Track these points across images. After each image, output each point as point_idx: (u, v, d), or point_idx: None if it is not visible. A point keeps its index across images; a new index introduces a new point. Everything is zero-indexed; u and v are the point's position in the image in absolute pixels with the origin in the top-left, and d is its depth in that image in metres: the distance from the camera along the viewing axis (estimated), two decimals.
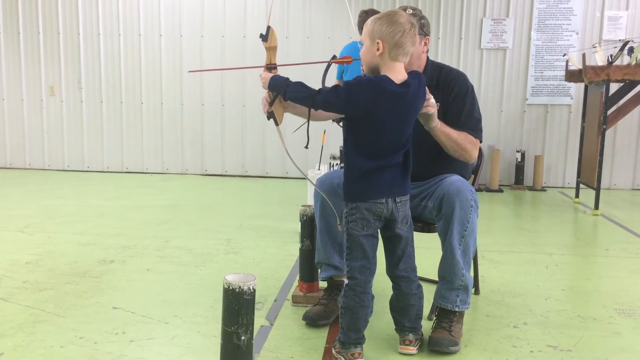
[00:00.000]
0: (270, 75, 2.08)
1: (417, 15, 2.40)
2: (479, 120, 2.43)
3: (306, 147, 2.12)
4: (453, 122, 2.36)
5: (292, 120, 2.35)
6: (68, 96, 7.08)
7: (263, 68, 2.15)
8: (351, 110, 1.98)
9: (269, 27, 2.16)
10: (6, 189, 5.83)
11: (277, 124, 2.16)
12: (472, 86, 2.46)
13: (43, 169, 7.20)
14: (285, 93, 2.02)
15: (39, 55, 7.05)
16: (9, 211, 4.68)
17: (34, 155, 7.22)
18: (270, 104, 2.11)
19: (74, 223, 4.30)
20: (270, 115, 2.14)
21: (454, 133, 2.32)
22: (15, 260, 3.27)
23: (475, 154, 2.42)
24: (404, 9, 2.40)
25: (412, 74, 2.02)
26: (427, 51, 2.49)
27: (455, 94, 2.40)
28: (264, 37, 2.15)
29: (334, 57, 2.23)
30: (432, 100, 2.16)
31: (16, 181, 6.34)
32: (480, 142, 2.44)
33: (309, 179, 2.46)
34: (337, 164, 4.49)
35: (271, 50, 2.17)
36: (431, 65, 2.48)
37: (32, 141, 7.20)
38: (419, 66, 2.42)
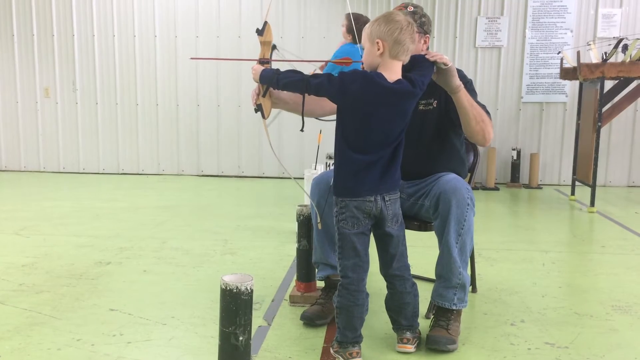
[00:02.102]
0: (262, 68, 2.10)
1: (418, 13, 2.40)
2: (484, 105, 2.41)
3: (301, 130, 2.13)
4: (457, 114, 2.36)
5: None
6: (63, 98, 7.06)
7: (256, 61, 2.16)
8: (342, 97, 2.00)
9: (265, 22, 2.17)
10: (1, 192, 5.81)
11: (264, 117, 2.17)
12: (471, 80, 2.47)
13: (38, 171, 7.18)
14: (277, 82, 2.03)
15: (33, 57, 7.02)
16: (5, 214, 4.66)
17: (29, 158, 7.20)
18: (263, 95, 2.13)
19: (70, 225, 4.28)
20: (258, 108, 2.16)
21: (476, 105, 2.30)
22: (12, 263, 3.26)
23: (490, 131, 2.36)
24: (405, 5, 2.40)
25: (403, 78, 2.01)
26: (428, 49, 2.47)
27: None
28: (260, 32, 2.17)
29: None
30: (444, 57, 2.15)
31: (11, 184, 6.32)
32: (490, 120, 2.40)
33: (288, 172, 2.46)
34: (333, 163, 4.49)
35: (265, 45, 2.19)
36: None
37: (27, 143, 7.18)
38: None
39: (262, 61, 2.16)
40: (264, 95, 2.13)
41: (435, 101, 2.41)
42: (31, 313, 2.52)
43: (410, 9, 2.40)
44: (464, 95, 2.25)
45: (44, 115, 7.11)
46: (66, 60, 7.00)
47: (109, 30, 6.91)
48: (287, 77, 2.01)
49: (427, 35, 2.44)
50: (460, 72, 2.45)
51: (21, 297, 2.73)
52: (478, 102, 2.38)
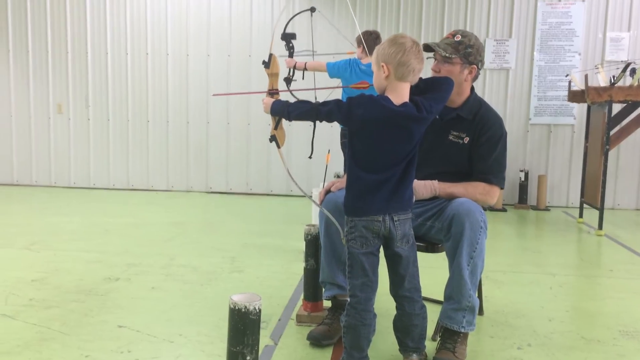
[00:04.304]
0: (272, 100, 2.14)
1: (464, 43, 2.39)
2: (504, 167, 2.46)
3: (310, 157, 2.18)
4: (479, 162, 2.42)
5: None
6: (75, 114, 7.16)
7: (265, 93, 2.21)
8: (351, 122, 2.04)
9: (271, 55, 2.23)
10: (13, 206, 5.87)
11: (278, 146, 2.22)
12: (506, 133, 2.49)
13: (49, 186, 7.25)
14: (288, 114, 2.07)
15: (47, 74, 7.14)
16: (16, 228, 4.71)
17: (40, 173, 7.28)
18: (275, 127, 2.17)
19: (80, 240, 4.32)
20: (273, 138, 2.21)
21: (458, 190, 2.37)
22: (22, 278, 3.29)
23: (491, 201, 2.43)
24: (453, 34, 2.42)
25: (410, 102, 2.04)
26: (473, 79, 2.46)
27: (488, 136, 2.42)
28: (267, 64, 2.22)
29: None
30: (420, 193, 2.34)
31: (23, 198, 6.38)
32: (501, 188, 2.46)
33: (312, 200, 2.48)
34: None
35: (273, 76, 2.25)
36: (474, 98, 2.49)
37: (38, 158, 7.27)
38: (459, 94, 2.43)
39: (271, 92, 2.20)
40: (276, 128, 2.18)
41: (467, 138, 2.44)
42: (40, 328, 2.55)
43: (458, 38, 2.40)
44: (446, 191, 2.38)
45: (56, 130, 7.20)
46: (79, 77, 7.11)
47: (122, 48, 7.03)
48: (298, 108, 2.05)
49: (473, 65, 2.41)
50: (499, 121, 2.46)
51: (31, 312, 2.75)
52: (495, 165, 2.42)
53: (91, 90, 7.10)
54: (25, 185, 7.28)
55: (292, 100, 2.14)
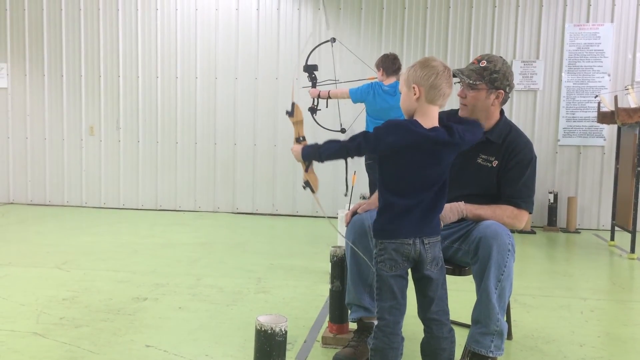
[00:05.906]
0: (301, 146, 2.16)
1: (489, 69, 2.40)
2: (533, 192, 2.45)
3: (345, 194, 2.18)
4: (508, 186, 2.42)
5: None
6: (107, 136, 7.33)
7: (293, 142, 2.23)
8: (381, 151, 2.05)
9: (293, 104, 2.26)
10: (45, 226, 6.00)
11: (313, 191, 2.23)
12: (535, 157, 2.48)
13: (80, 206, 7.41)
14: (320, 155, 2.09)
15: (80, 97, 7.34)
16: (48, 247, 4.81)
17: (72, 193, 7.44)
18: (306, 171, 2.19)
19: (109, 260, 4.39)
20: (306, 184, 2.21)
21: (486, 212, 2.36)
22: (53, 297, 3.36)
23: (519, 225, 2.43)
24: (480, 59, 2.43)
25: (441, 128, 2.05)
26: (502, 103, 2.46)
27: (518, 160, 2.43)
28: (290, 113, 2.25)
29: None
30: (448, 218, 2.34)
31: (55, 218, 6.53)
32: (530, 212, 2.45)
33: (339, 232, 2.48)
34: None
35: (298, 124, 2.26)
36: (504, 122, 2.50)
37: (70, 179, 7.44)
38: (487, 118, 2.44)
39: (298, 140, 2.23)
40: (306, 171, 2.19)
41: (496, 162, 2.44)
42: (71, 347, 2.59)
43: (483, 63, 2.41)
44: (473, 213, 2.36)
45: (87, 152, 7.38)
46: (111, 100, 7.30)
47: (152, 71, 7.20)
48: (328, 149, 2.07)
49: (500, 90, 2.41)
50: (529, 146, 2.47)
51: (61, 330, 2.81)
52: (524, 189, 2.41)
53: (122, 113, 7.28)
54: (57, 205, 7.45)
55: (314, 140, 2.15)
